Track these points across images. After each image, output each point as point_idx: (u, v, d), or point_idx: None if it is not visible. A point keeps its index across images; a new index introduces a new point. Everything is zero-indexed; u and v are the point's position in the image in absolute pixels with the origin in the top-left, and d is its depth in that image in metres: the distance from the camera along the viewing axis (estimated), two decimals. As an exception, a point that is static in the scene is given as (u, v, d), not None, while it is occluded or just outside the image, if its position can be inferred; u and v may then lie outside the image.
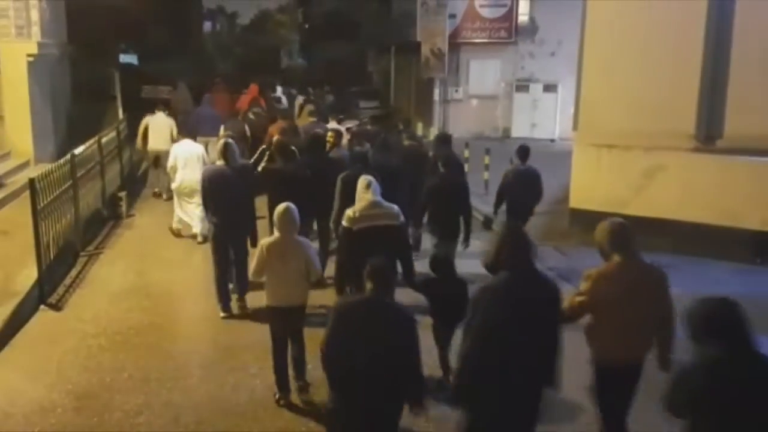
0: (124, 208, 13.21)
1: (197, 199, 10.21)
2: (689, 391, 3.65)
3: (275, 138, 10.15)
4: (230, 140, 8.82)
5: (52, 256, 9.34)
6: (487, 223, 11.36)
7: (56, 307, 8.74)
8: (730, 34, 10.59)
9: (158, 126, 14.65)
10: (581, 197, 11.87)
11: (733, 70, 10.63)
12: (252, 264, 6.43)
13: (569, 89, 16.69)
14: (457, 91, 25.49)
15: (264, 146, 11.27)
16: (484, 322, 4.30)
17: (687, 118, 10.85)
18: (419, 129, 24.35)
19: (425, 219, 8.76)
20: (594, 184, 11.73)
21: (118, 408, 6.32)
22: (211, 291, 9.16)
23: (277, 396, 6.39)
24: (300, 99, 20.87)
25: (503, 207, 10.12)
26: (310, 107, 15.74)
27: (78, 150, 11.55)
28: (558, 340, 4.47)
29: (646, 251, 10.70)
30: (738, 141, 10.47)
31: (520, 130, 24.89)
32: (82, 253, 10.73)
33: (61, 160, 10.54)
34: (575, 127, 12.26)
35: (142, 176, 17.17)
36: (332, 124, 13.57)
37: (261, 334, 7.70)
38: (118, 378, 6.89)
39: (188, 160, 11.17)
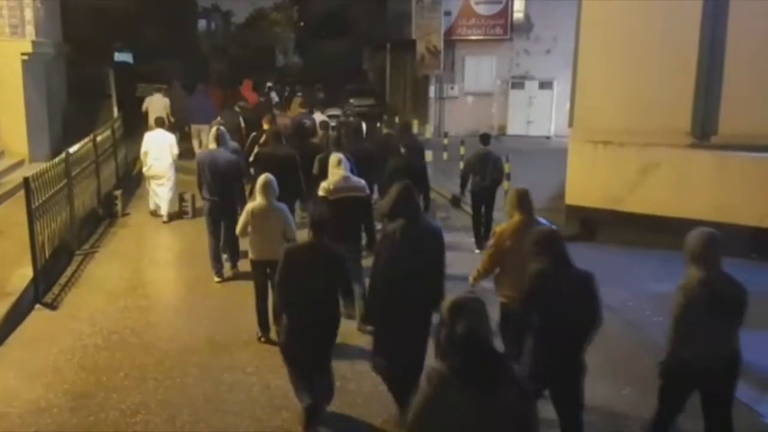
0: (119, 207, 13.17)
1: (164, 180, 12.41)
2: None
3: (267, 126, 11.47)
4: (222, 128, 10.08)
5: (47, 256, 9.31)
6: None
7: (52, 306, 8.71)
8: (724, 31, 10.61)
9: (156, 106, 18.08)
10: (577, 194, 11.87)
11: (728, 66, 10.65)
12: (239, 224, 7.64)
13: (565, 86, 16.72)
14: (452, 88, 25.48)
15: (255, 134, 12.17)
16: (387, 258, 5.65)
17: (682, 114, 10.87)
18: (415, 126, 24.35)
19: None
20: (589, 181, 11.74)
21: (114, 407, 6.30)
22: (207, 290, 9.20)
23: (259, 334, 7.58)
24: (287, 92, 22.77)
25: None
26: (299, 99, 17.04)
27: (73, 149, 11.51)
28: (442, 270, 5.88)
29: (643, 247, 10.76)
30: (733, 137, 10.49)
31: (515, 127, 24.91)
32: (77, 252, 10.70)
33: (56, 159, 10.50)
34: (570, 123, 12.26)
35: (137, 175, 17.15)
36: (318, 115, 15.18)
37: (256, 333, 7.71)
38: (114, 377, 6.87)
39: (158, 148, 12.47)
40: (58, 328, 8.07)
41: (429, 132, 23.34)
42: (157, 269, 10.35)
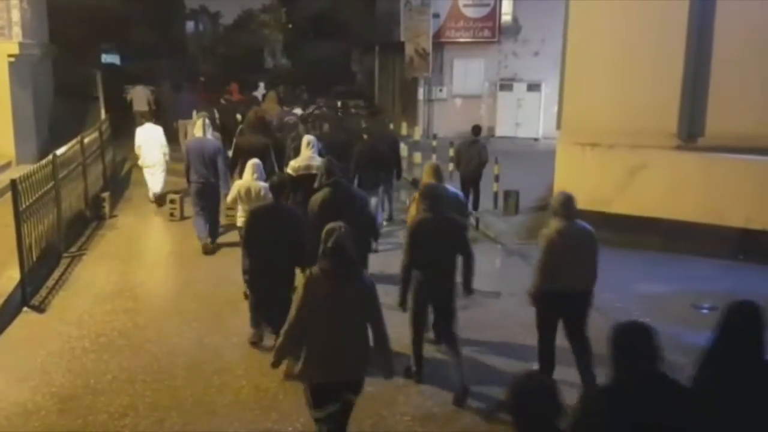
0: (107, 209, 13.11)
1: (155, 169, 13.83)
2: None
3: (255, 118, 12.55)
4: (206, 118, 11.37)
5: (34, 258, 9.25)
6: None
7: (39, 309, 8.65)
8: (711, 33, 10.68)
9: (139, 95, 21.49)
10: (565, 196, 11.90)
11: (715, 68, 10.72)
12: (229, 197, 9.05)
13: (553, 88, 16.79)
14: (441, 90, 25.50)
15: (241, 126, 13.12)
16: (317, 217, 7.00)
17: (669, 116, 10.93)
18: (404, 128, 24.39)
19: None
20: (578, 183, 11.71)
21: (102, 410, 6.27)
22: (196, 292, 9.18)
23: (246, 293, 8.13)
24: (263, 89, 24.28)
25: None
26: (272, 94, 18.13)
27: (60, 150, 11.45)
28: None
29: (631, 249, 10.81)
30: (720, 139, 10.56)
31: (504, 129, 24.94)
32: (64, 255, 10.64)
33: (43, 161, 10.44)
34: (558, 125, 12.31)
35: (125, 177, 17.10)
36: (297, 110, 17.22)
37: (246, 335, 7.70)
38: (102, 380, 6.84)
39: (149, 141, 13.77)
40: (45, 330, 8.02)
41: (418, 134, 23.34)
42: (145, 271, 10.31)
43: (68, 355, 7.38)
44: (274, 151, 11.24)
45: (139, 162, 14.06)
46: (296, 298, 4.90)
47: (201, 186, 10.77)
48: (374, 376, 5.10)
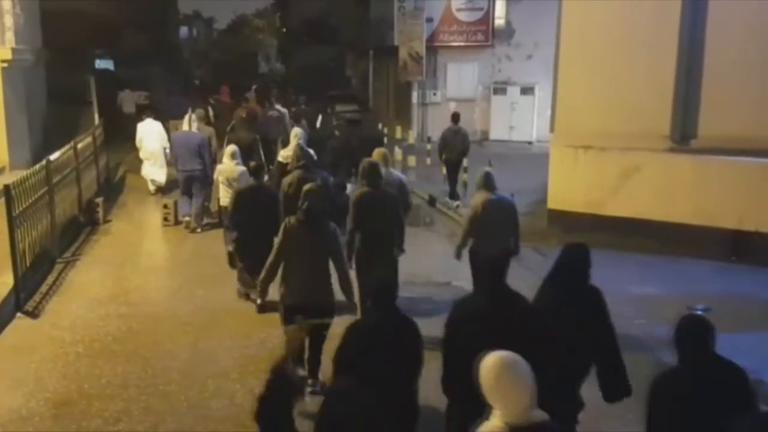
0: (101, 214, 13.09)
1: (154, 161, 15.05)
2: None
3: (244, 115, 14.82)
4: (192, 113, 12.75)
5: (28, 263, 9.23)
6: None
7: (33, 314, 8.64)
8: (703, 36, 10.73)
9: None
10: (559, 198, 11.95)
11: (707, 71, 10.77)
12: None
13: (546, 91, 16.82)
14: (435, 94, 25.51)
15: (234, 122, 14.77)
16: (287, 196, 8.37)
17: (662, 119, 10.97)
18: (398, 132, 24.40)
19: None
20: (571, 185, 11.82)
21: (96, 415, 6.27)
22: (190, 297, 9.17)
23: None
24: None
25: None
26: (253, 94, 21.15)
27: (53, 156, 11.44)
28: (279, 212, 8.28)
29: (624, 250, 10.82)
30: (712, 141, 10.60)
31: (498, 132, 24.95)
32: (58, 260, 10.62)
33: (37, 166, 10.43)
34: (552, 128, 12.34)
35: (119, 182, 17.09)
36: (278, 107, 18.01)
37: (240, 339, 7.70)
38: (97, 385, 6.83)
39: (149, 133, 14.92)
40: (39, 336, 8.01)
41: (412, 137, 23.37)
42: (138, 276, 10.29)
43: (62, 360, 7.37)
44: (261, 143, 12.82)
45: (141, 154, 15.14)
46: (277, 241, 6.44)
47: (187, 176, 12.10)
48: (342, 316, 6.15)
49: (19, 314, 8.53)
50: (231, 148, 10.31)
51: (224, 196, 9.99)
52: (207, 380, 6.90)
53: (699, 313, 4.99)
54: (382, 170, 7.87)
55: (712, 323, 4.08)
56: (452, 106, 25.30)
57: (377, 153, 8.43)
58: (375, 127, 22.80)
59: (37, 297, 9.15)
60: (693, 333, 4.03)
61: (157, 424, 6.14)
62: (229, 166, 10.01)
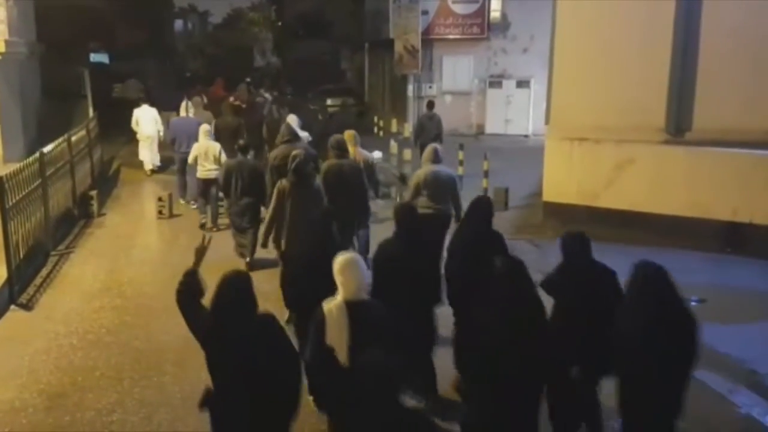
0: (95, 207, 13.06)
1: (149, 143, 16.68)
2: None
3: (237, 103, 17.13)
4: (190, 101, 15.19)
5: (21, 256, 9.21)
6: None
7: (27, 306, 8.63)
8: (697, 28, 10.71)
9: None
10: (554, 190, 11.95)
11: (701, 64, 10.75)
12: (190, 157, 12.00)
13: (542, 85, 16.79)
14: (430, 87, 25.45)
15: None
16: (273, 167, 9.63)
17: (656, 111, 10.96)
18: (393, 125, 24.37)
19: None
20: (566, 178, 11.81)
21: (90, 407, 6.26)
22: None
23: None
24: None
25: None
26: (243, 86, 21.36)
27: (47, 148, 11.40)
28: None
29: (619, 243, 10.84)
30: (707, 133, 10.60)
31: (493, 126, 24.93)
32: (52, 253, 10.60)
33: (30, 159, 10.39)
34: (547, 121, 12.33)
35: (113, 175, 17.05)
36: (266, 94, 19.58)
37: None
38: (90, 377, 6.82)
39: (145, 117, 16.48)
40: (33, 328, 8.00)
41: (408, 131, 23.36)
42: (132, 269, 10.27)
43: (56, 352, 7.36)
44: (247, 126, 14.12)
45: (137, 136, 16.70)
46: (272, 201, 7.85)
47: (185, 156, 13.01)
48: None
49: (12, 306, 8.52)
50: (204, 127, 12.17)
51: (205, 169, 11.73)
52: (201, 371, 6.79)
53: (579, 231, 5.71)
54: (351, 147, 9.23)
55: (588, 237, 5.47)
56: (448, 100, 25.42)
57: (347, 133, 9.58)
58: (357, 119, 25.04)
59: (30, 289, 9.13)
60: (574, 243, 5.40)
61: (151, 416, 6.13)
62: (209, 144, 11.80)
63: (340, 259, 4.70)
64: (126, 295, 9.15)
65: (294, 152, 8.01)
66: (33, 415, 6.14)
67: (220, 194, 11.10)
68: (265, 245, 8.11)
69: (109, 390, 6.55)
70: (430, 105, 16.46)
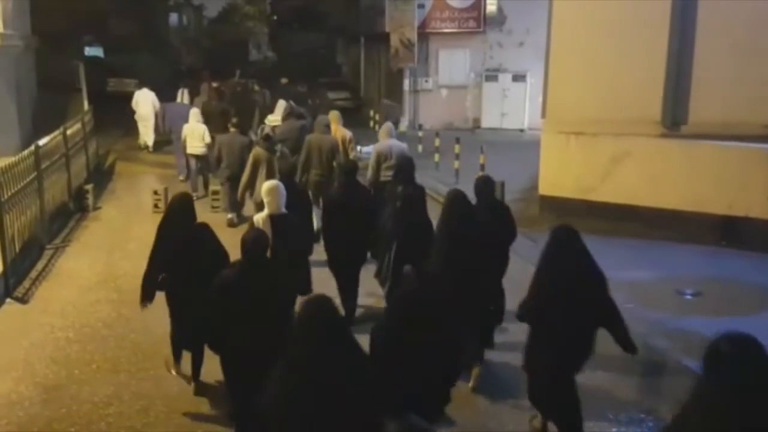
0: (90, 201, 13.03)
1: (147, 122, 18.53)
2: None
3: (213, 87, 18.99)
4: (185, 90, 17.69)
5: (17, 249, 9.21)
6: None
7: (23, 300, 8.62)
8: (694, 22, 10.73)
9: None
10: (550, 184, 11.96)
11: (698, 57, 10.77)
12: (182, 136, 13.75)
13: (538, 79, 16.79)
14: (426, 81, 25.42)
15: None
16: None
17: (653, 105, 10.98)
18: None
19: None
20: (562, 171, 11.82)
21: (87, 400, 6.26)
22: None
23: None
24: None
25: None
26: (236, 79, 23.65)
27: (42, 141, 11.37)
28: None
29: (615, 236, 10.84)
30: (703, 127, 10.62)
31: (489, 120, 24.90)
32: (48, 246, 10.59)
33: (25, 152, 10.37)
34: (543, 114, 12.33)
35: (108, 169, 17.01)
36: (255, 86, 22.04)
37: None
38: (87, 370, 6.83)
39: (143, 98, 18.37)
40: (29, 321, 7.99)
41: (404, 125, 23.33)
42: (128, 262, 10.21)
43: (52, 345, 7.36)
44: (239, 110, 15.66)
45: (135, 116, 18.52)
46: (248, 163, 10.16)
47: (174, 137, 14.83)
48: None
49: (8, 300, 8.51)
50: (194, 110, 14.11)
51: (193, 146, 13.52)
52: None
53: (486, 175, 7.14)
54: (334, 125, 10.99)
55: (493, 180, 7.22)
56: (444, 93, 25.41)
57: (332, 113, 11.43)
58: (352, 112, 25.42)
59: (26, 283, 9.12)
60: (484, 187, 6.98)
61: (147, 408, 6.14)
62: (196, 125, 13.59)
63: (266, 184, 6.86)
64: (122, 288, 9.12)
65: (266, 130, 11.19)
66: (29, 408, 6.13)
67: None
68: (242, 201, 10.76)
69: (106, 383, 6.55)
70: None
